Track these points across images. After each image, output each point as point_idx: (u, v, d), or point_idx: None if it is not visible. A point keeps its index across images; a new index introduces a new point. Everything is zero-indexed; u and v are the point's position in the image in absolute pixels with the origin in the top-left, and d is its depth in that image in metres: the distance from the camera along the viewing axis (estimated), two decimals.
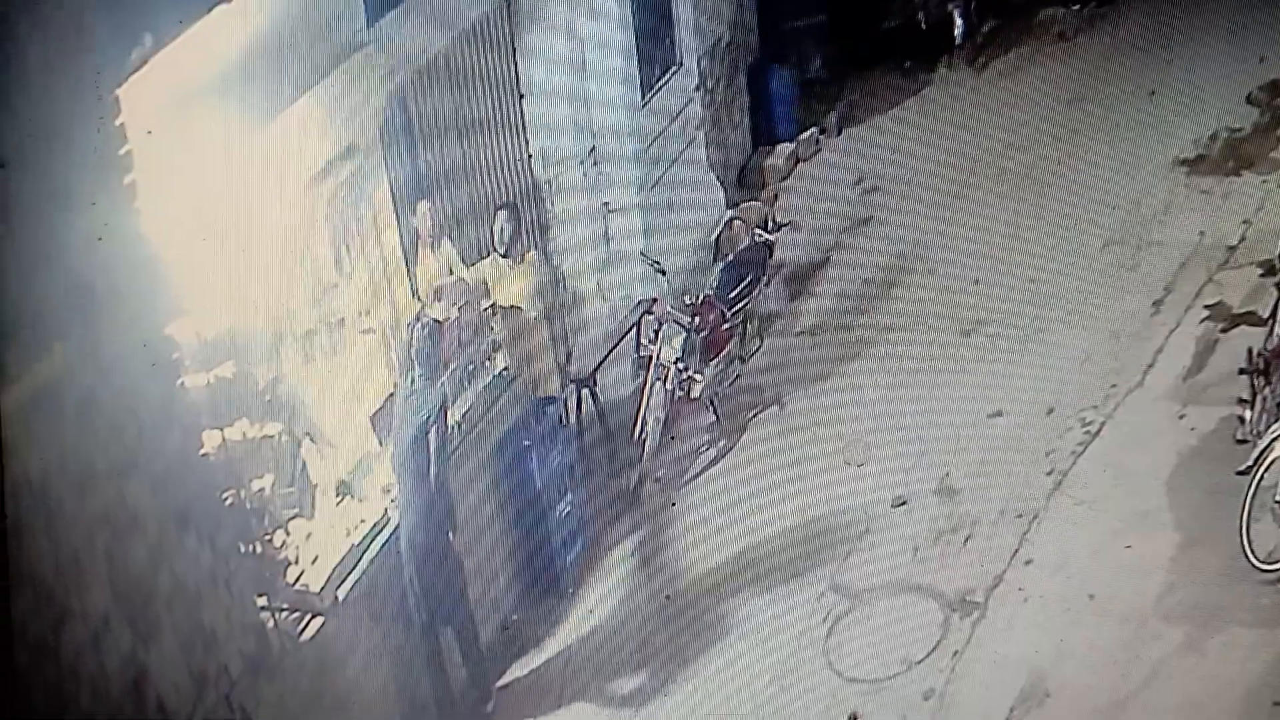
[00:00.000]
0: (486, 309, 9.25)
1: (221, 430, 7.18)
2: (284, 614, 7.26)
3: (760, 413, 10.83)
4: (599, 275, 11.36)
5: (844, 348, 11.35)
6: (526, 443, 9.09)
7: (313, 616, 7.38)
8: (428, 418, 8.04)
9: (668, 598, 9.31)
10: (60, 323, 5.90)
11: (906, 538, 9.33)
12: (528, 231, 10.29)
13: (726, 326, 10.67)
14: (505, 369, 9.32)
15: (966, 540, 9.18)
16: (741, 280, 10.82)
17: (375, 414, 8.21)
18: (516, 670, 8.99)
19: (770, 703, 8.37)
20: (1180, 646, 8.05)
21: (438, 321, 8.31)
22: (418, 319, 8.32)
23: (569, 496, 9.50)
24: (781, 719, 8.26)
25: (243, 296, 7.64)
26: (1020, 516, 9.22)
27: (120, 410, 6.22)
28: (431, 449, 8.07)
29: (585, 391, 10.37)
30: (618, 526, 10.01)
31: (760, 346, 11.26)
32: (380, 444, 8.26)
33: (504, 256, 9.48)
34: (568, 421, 9.79)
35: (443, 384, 8.37)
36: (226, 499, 7.02)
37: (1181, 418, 9.68)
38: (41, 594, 5.73)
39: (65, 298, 5.92)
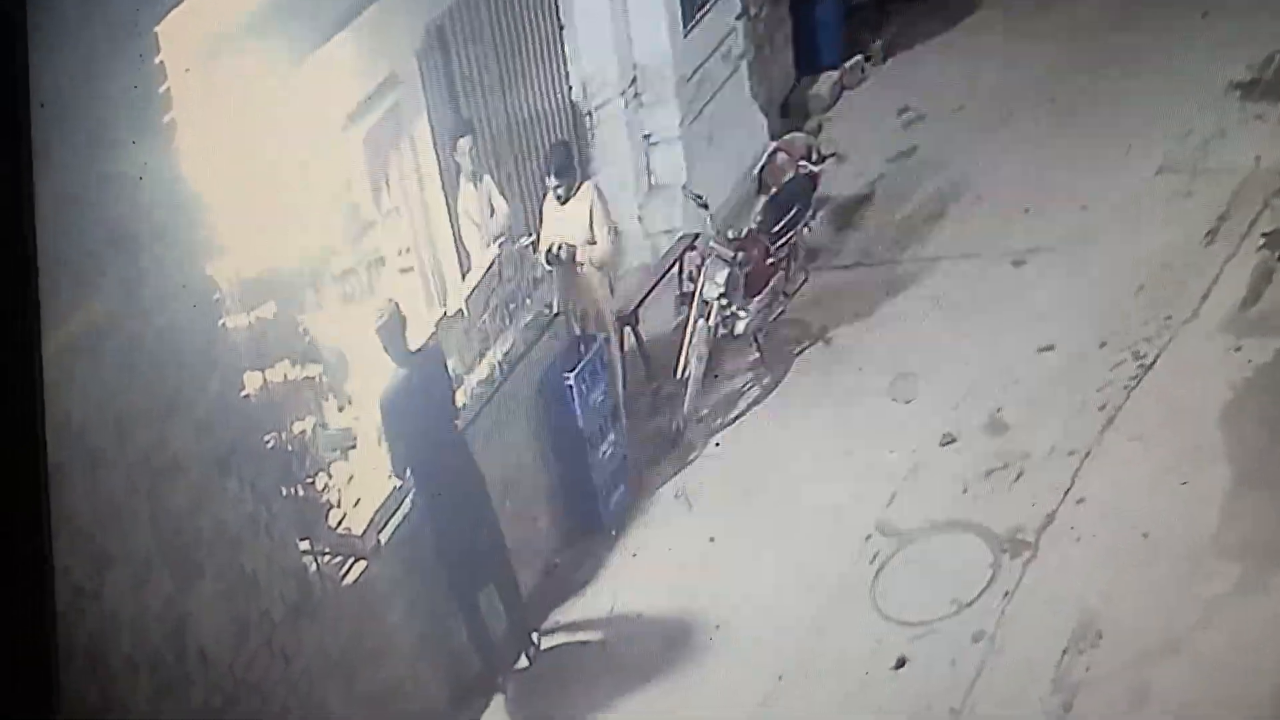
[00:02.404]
0: (529, 244, 9.22)
1: (263, 372, 7.18)
2: (326, 558, 7.27)
3: (806, 349, 10.72)
4: (640, 210, 11.31)
5: (891, 281, 11.24)
6: (569, 382, 9.03)
7: (355, 561, 7.39)
8: (428, 386, 7.92)
9: (711, 540, 9.25)
10: (101, 264, 5.91)
11: (955, 476, 9.22)
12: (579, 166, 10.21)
13: (770, 261, 10.55)
14: (548, 306, 9.28)
15: (1017, 478, 9.07)
16: (786, 214, 10.67)
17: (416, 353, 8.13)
18: (559, 615, 8.98)
19: (815, 648, 8.31)
20: (1237, 585, 7.91)
21: (396, 304, 8.02)
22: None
23: (611, 437, 9.47)
24: (827, 664, 8.19)
25: (282, 235, 7.63)
26: (1072, 453, 9.09)
27: (161, 353, 6.23)
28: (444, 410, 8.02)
29: (627, 329, 10.33)
30: (661, 467, 9.94)
31: (805, 281, 11.13)
32: None
33: (561, 201, 9.45)
34: (610, 360, 9.70)
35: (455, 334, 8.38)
36: (268, 441, 7.01)
37: (1237, 350, 9.51)
38: (82, 538, 5.77)
39: (106, 239, 5.92)
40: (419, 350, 7.94)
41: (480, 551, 8.27)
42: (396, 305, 7.77)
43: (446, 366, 8.25)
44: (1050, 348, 10.09)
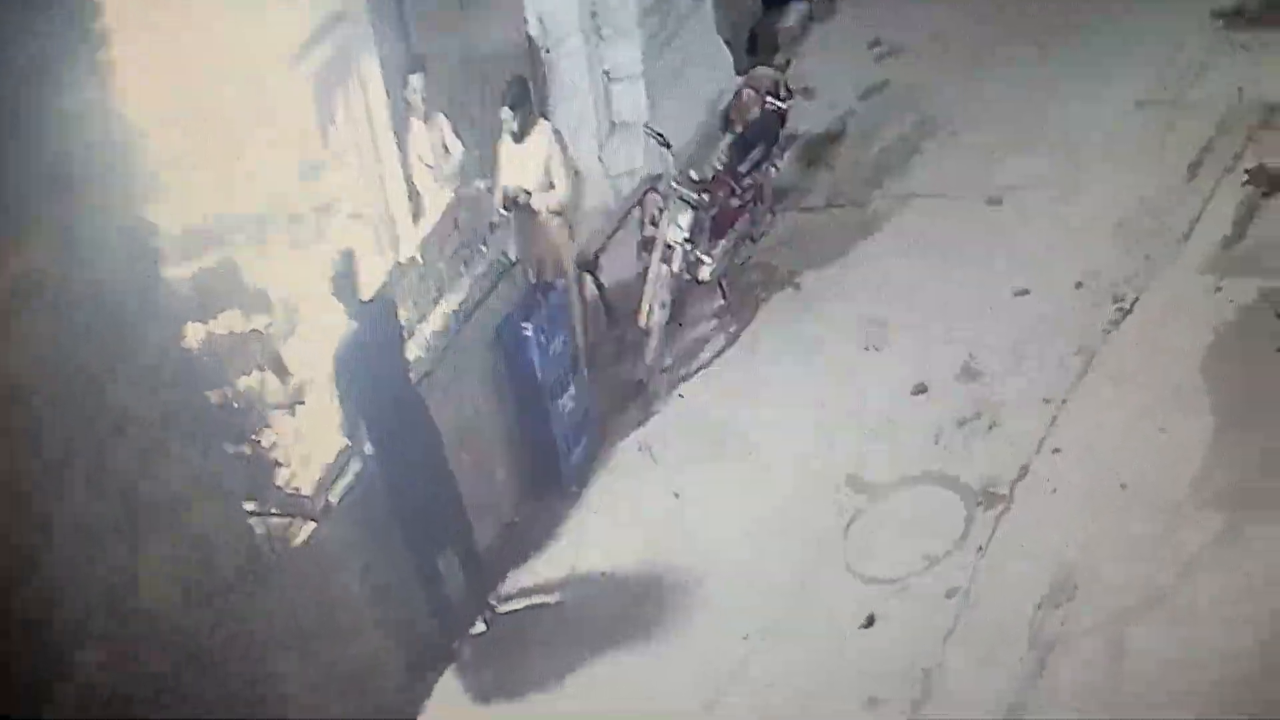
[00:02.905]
0: (486, 188, 9.21)
1: (206, 324, 7.16)
2: (274, 519, 7.29)
3: (773, 294, 10.82)
4: (600, 150, 11.32)
5: (862, 222, 11.34)
6: (527, 331, 9.05)
7: (304, 522, 7.42)
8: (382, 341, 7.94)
9: (676, 495, 9.35)
10: (36, 209, 5.85)
11: (927, 426, 9.36)
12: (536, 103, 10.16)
13: (737, 203, 10.61)
14: (505, 252, 9.27)
15: (991, 428, 9.22)
16: (752, 152, 10.71)
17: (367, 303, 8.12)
18: (517, 576, 9.06)
19: (785, 606, 8.42)
20: (1218, 536, 8.07)
21: (349, 251, 8.02)
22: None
23: (572, 389, 9.51)
24: (798, 624, 8.30)
25: (227, 179, 7.61)
26: (1048, 401, 9.24)
27: (99, 304, 6.18)
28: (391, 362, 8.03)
29: (588, 276, 10.36)
30: (624, 419, 10.03)
31: (772, 223, 11.22)
32: None
33: (516, 141, 9.43)
34: (570, 308, 9.72)
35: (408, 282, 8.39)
36: (213, 397, 7.01)
37: (1219, 290, 9.67)
38: (24, 502, 5.77)
39: (41, 182, 5.86)
40: (371, 301, 7.93)
41: (437, 512, 8.32)
42: (350, 253, 7.77)
43: (398, 318, 8.25)
44: (1026, 291, 10.21)
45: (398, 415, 8.05)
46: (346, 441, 7.79)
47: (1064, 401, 9.23)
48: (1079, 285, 10.06)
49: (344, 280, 7.72)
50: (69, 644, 5.97)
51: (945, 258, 10.69)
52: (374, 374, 7.87)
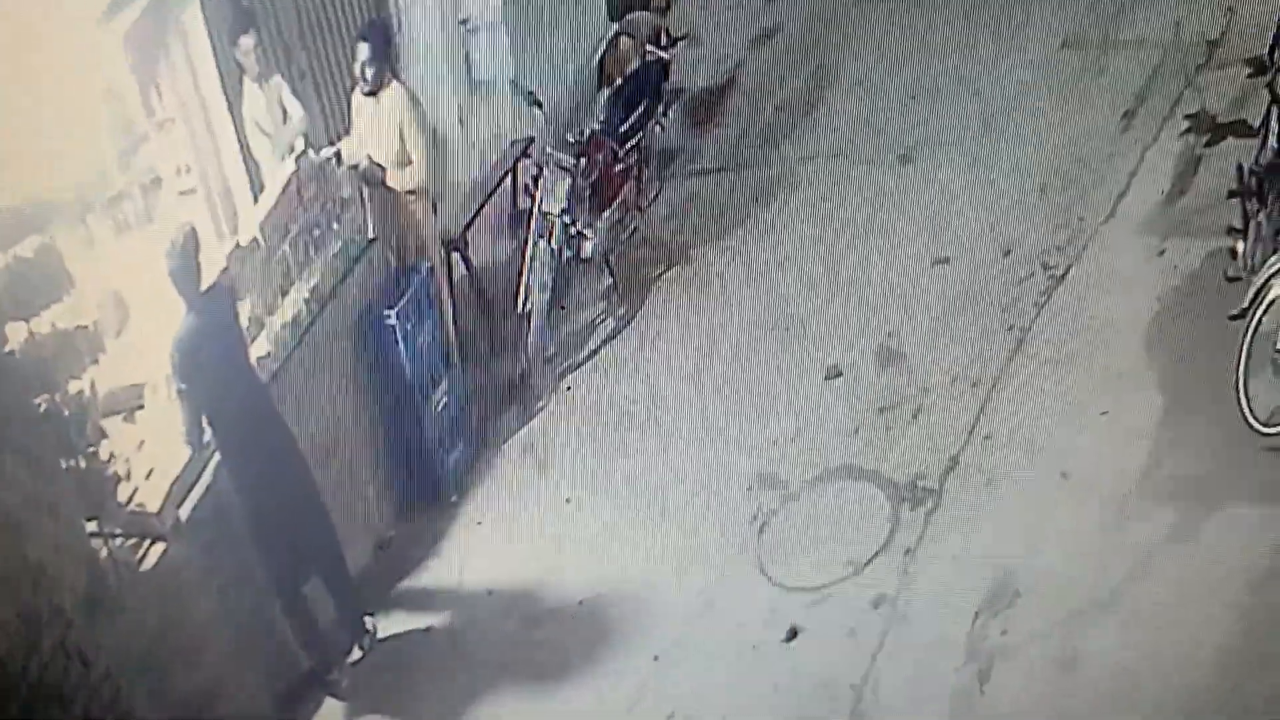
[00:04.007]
0: (332, 156, 9.40)
1: (27, 321, 7.33)
2: (118, 540, 7.50)
3: (665, 272, 11.13)
4: (461, 112, 11.46)
5: (758, 186, 11.63)
6: (390, 321, 9.29)
7: (152, 542, 7.62)
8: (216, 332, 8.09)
9: (568, 501, 9.66)
10: None
11: (844, 415, 9.66)
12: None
13: (619, 168, 10.92)
14: (360, 231, 9.49)
15: (915, 415, 9.52)
16: (633, 110, 11.03)
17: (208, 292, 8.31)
18: (396, 597, 9.30)
19: (695, 621, 8.70)
20: (1171, 529, 8.31)
21: (190, 229, 8.23)
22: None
23: (444, 385, 9.78)
24: (710, 640, 8.58)
25: (38, 157, 7.76)
26: (976, 384, 9.52)
27: None
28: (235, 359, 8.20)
29: (455, 256, 10.57)
30: (505, 418, 10.31)
31: (660, 191, 11.55)
32: None
33: (368, 95, 9.64)
34: (437, 294, 9.98)
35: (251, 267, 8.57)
36: (40, 405, 7.21)
37: (1161, 254, 9.92)
38: None
39: None
40: (208, 290, 8.11)
41: (297, 528, 8.52)
42: (191, 231, 7.94)
43: (236, 309, 8.43)
44: (946, 260, 10.49)
45: (245, 419, 8.24)
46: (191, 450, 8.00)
47: (995, 384, 9.48)
48: (1006, 253, 10.33)
49: (182, 265, 7.89)
50: None
51: (854, 225, 11.00)
52: (216, 372, 8.06)
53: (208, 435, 8.09)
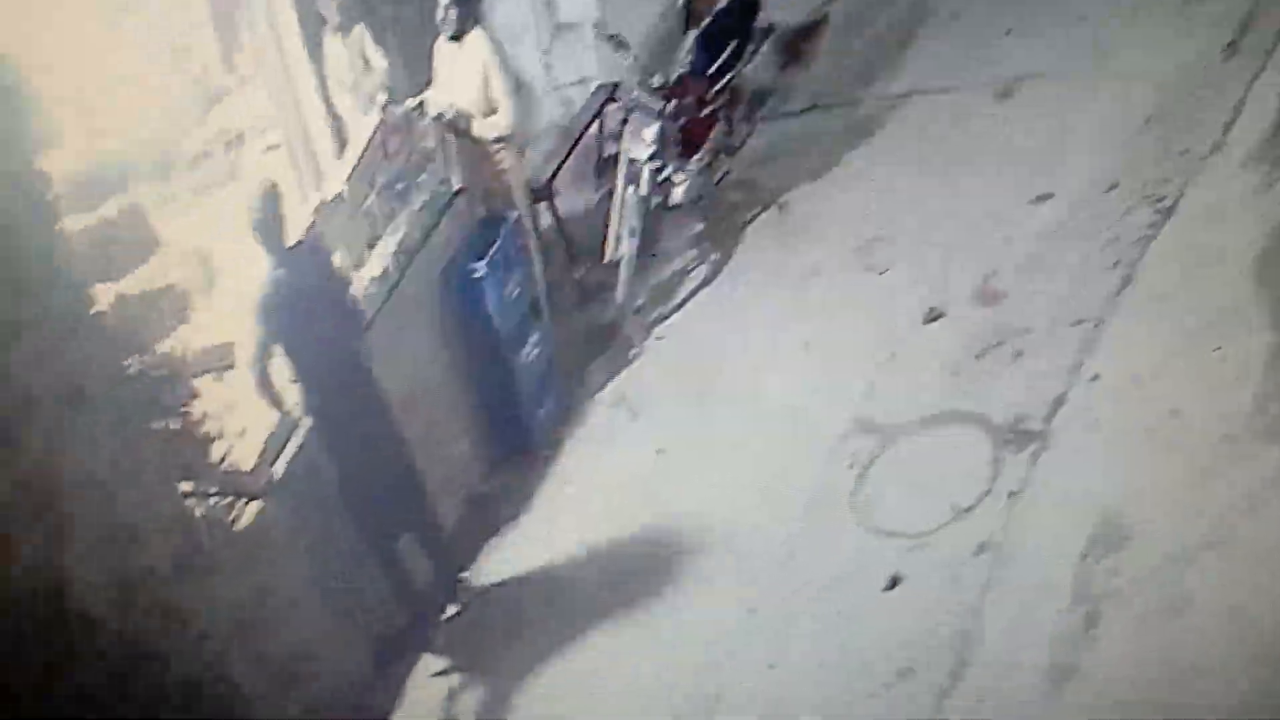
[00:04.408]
0: (415, 109, 9.61)
1: (114, 283, 7.60)
2: (212, 501, 7.79)
3: (758, 215, 11.29)
4: (545, 57, 11.68)
5: (854, 126, 11.77)
6: (478, 274, 9.48)
7: (247, 501, 7.91)
8: (310, 286, 8.30)
9: (660, 452, 9.85)
10: None
11: (944, 357, 9.74)
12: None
13: (708, 111, 11.04)
14: (445, 182, 9.71)
15: (1018, 356, 9.56)
16: (722, 50, 11.10)
17: (255, 305, 8.39)
18: (489, 553, 9.58)
19: (791, 573, 8.85)
20: None
21: (273, 188, 8.49)
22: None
23: (534, 337, 9.99)
24: (806, 591, 8.72)
25: (120, 116, 8.02)
26: (1081, 322, 9.55)
27: None
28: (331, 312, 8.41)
29: (542, 205, 10.79)
30: (595, 369, 10.54)
31: (752, 132, 11.64)
32: None
33: (451, 41, 9.83)
34: (526, 244, 10.18)
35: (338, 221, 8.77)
36: (130, 366, 7.49)
37: (1272, 186, 9.84)
38: None
39: None
40: (295, 245, 8.32)
41: (391, 491, 8.77)
42: (274, 188, 8.14)
43: (330, 263, 8.65)
44: (1048, 195, 10.54)
45: (335, 376, 8.45)
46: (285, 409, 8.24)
47: (1100, 322, 9.50)
48: (1110, 188, 10.37)
49: (265, 219, 8.12)
50: (4, 650, 6.40)
51: (953, 162, 11.09)
52: (305, 330, 8.26)
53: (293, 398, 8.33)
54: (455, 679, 9.02)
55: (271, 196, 8.10)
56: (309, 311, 8.30)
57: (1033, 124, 11.18)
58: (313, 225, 8.64)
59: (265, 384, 8.20)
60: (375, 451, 8.62)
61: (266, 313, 8.10)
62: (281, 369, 8.24)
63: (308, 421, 8.35)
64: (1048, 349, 9.54)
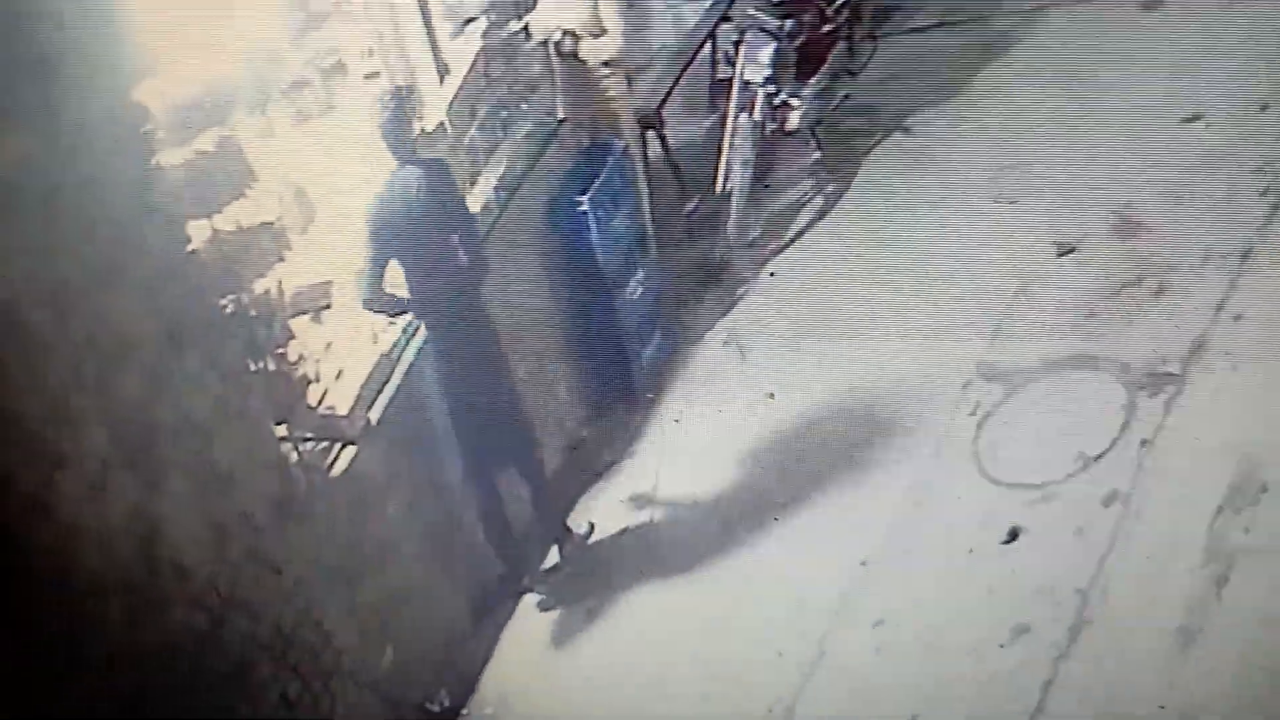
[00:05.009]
0: (519, 31, 9.86)
1: (210, 219, 7.99)
2: (308, 444, 8.16)
3: (880, 141, 11.47)
4: None
5: (985, 43, 11.86)
6: (583, 207, 9.75)
7: (343, 446, 8.27)
8: (428, 199, 8.61)
9: (771, 396, 10.09)
10: (9, 97, 6.58)
11: (1077, 295, 9.91)
12: None
13: (828, 29, 11.20)
14: (550, 111, 9.97)
15: (1157, 293, 9.71)
16: None
17: (367, 216, 8.64)
18: (590, 501, 9.92)
19: (906, 523, 9.12)
20: None
21: (401, 89, 8.90)
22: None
23: (640, 274, 10.25)
24: (922, 543, 9.00)
25: (215, 43, 8.33)
26: (1226, 255, 9.67)
27: (89, 204, 6.91)
28: (447, 234, 8.74)
29: (651, 134, 10.96)
30: (704, 308, 10.78)
31: (875, 52, 11.77)
32: None
33: None
34: (632, 175, 10.39)
35: (438, 153, 9.10)
36: (226, 306, 7.82)
37: None
38: (28, 439, 6.58)
39: (11, 65, 6.57)
40: (424, 160, 8.66)
41: (500, 427, 9.12)
42: (402, 91, 8.54)
43: (453, 178, 8.92)
44: (1196, 117, 10.65)
45: (450, 297, 8.77)
46: (385, 348, 8.60)
47: (1247, 255, 9.62)
48: (1263, 108, 10.47)
49: (395, 118, 8.48)
50: (90, 597, 6.84)
51: (1092, 81, 11.16)
52: (424, 243, 8.61)
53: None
54: (553, 628, 9.38)
55: (401, 95, 8.53)
56: (428, 224, 8.63)
57: (1181, 38, 11.14)
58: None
59: (377, 295, 8.55)
60: (484, 381, 8.96)
61: (386, 219, 8.46)
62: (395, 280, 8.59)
63: (405, 365, 8.71)
64: (1188, 285, 9.66)
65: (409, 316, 8.80)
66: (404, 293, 8.70)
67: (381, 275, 8.53)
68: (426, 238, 8.60)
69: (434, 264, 8.69)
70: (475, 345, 8.91)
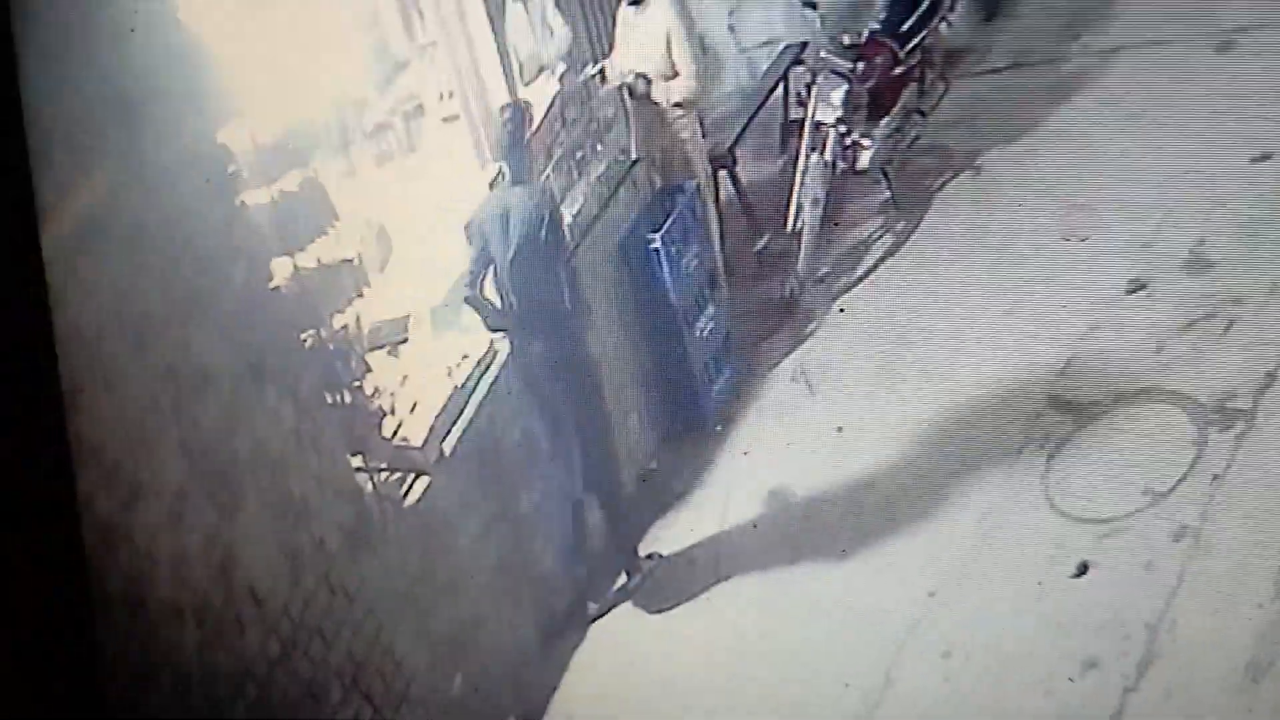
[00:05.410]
0: (594, 76, 9.98)
1: (292, 256, 8.06)
2: (383, 475, 8.22)
3: (949, 181, 11.33)
4: (730, 18, 11.81)
5: (1057, 84, 11.68)
6: (655, 245, 9.82)
7: (416, 476, 8.34)
8: (535, 218, 8.80)
9: (839, 430, 10.00)
10: (97, 138, 6.76)
11: (1147, 331, 9.72)
12: None
13: (900, 71, 11.13)
14: (624, 151, 10.07)
15: (1227, 329, 9.52)
16: (916, 6, 11.19)
17: (470, 223, 8.95)
18: (659, 531, 9.89)
19: (974, 556, 9.02)
20: None
21: (521, 104, 9.03)
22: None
23: (710, 310, 10.29)
24: (990, 575, 8.88)
25: (301, 87, 8.43)
26: None
27: (173, 241, 7.12)
28: (550, 256, 8.87)
29: (723, 173, 10.97)
30: (773, 343, 10.69)
31: (946, 93, 11.65)
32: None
33: (633, 4, 10.11)
34: (704, 214, 10.44)
35: (546, 177, 9.18)
36: (305, 340, 7.96)
37: None
38: (107, 466, 6.71)
39: (99, 107, 6.77)
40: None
41: (587, 445, 9.25)
42: (525, 101, 8.74)
43: (555, 199, 9.14)
44: (1267, 156, 10.39)
45: (546, 313, 8.95)
46: (458, 382, 8.70)
47: None
48: None
49: (513, 133, 8.72)
50: (164, 623, 6.94)
51: (1164, 122, 10.93)
52: (524, 258, 8.78)
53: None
54: (620, 655, 9.34)
55: (520, 109, 8.72)
56: (531, 246, 8.82)
57: (1254, 78, 10.89)
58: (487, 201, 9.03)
59: (477, 295, 8.76)
60: (581, 398, 9.14)
61: (492, 228, 8.68)
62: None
63: (478, 398, 8.77)
64: (1260, 321, 9.47)
65: (483, 349, 8.92)
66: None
67: (482, 277, 8.75)
68: (529, 260, 8.79)
69: (536, 289, 8.88)
70: (576, 372, 9.09)
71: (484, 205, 8.82)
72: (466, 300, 8.77)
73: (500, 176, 9.07)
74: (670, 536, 9.88)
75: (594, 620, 9.51)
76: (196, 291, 7.21)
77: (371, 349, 8.49)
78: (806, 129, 10.79)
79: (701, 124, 10.58)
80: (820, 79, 10.80)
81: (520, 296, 8.86)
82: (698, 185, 10.40)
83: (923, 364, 10.19)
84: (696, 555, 9.74)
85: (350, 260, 8.44)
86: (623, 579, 9.60)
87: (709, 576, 9.57)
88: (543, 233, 8.85)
